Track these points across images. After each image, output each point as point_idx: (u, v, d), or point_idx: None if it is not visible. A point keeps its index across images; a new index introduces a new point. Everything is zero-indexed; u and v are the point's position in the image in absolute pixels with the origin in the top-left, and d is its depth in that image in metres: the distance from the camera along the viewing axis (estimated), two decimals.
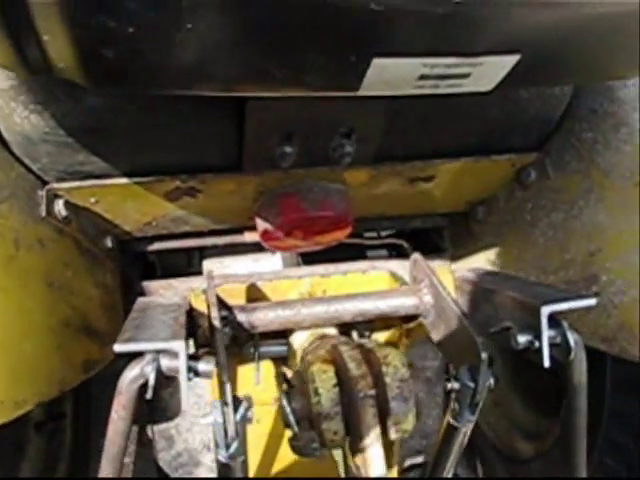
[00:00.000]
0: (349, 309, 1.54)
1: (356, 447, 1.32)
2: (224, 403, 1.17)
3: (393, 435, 1.40)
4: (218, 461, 1.25)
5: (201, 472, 1.96)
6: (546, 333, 1.23)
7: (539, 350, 1.25)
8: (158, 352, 1.13)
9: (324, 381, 1.40)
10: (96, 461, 2.20)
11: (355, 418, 1.35)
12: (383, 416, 1.38)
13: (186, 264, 2.08)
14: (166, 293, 1.81)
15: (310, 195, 1.58)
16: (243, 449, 1.23)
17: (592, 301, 1.27)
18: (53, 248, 1.49)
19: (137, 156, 1.45)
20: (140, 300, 1.49)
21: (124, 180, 1.48)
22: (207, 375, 1.19)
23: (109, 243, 1.72)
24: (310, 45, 0.80)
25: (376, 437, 1.29)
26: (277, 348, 1.67)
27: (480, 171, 1.68)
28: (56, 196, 1.50)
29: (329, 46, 0.80)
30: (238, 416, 1.19)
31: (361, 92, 0.95)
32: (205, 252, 2.07)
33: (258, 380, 1.63)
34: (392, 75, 0.89)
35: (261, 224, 1.62)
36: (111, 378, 1.19)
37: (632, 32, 0.92)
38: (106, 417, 1.76)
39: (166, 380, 1.20)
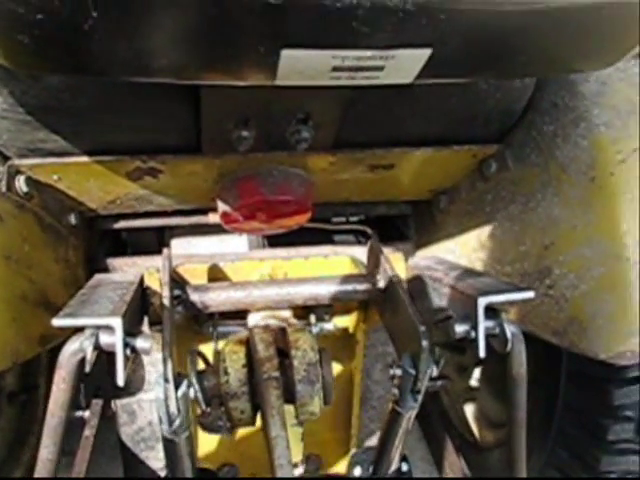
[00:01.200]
0: (301, 292, 1.57)
1: (264, 427, 1.34)
2: (165, 380, 1.19)
3: (300, 417, 1.42)
4: (163, 437, 1.27)
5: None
6: (482, 324, 1.25)
7: (476, 340, 1.26)
8: (98, 328, 1.16)
9: (234, 361, 1.43)
10: (68, 437, 2.24)
11: (260, 398, 1.37)
12: (291, 398, 1.41)
13: (156, 243, 2.10)
14: (126, 270, 1.83)
15: (269, 179, 1.59)
16: (187, 425, 1.26)
17: (530, 294, 1.28)
18: (12, 223, 1.51)
19: (97, 135, 1.47)
20: (96, 276, 1.51)
21: (85, 159, 1.50)
22: (145, 352, 1.21)
23: (73, 220, 1.74)
24: (222, 37, 0.82)
25: (279, 417, 1.30)
26: (235, 328, 1.69)
27: (442, 161, 1.70)
28: (18, 172, 1.52)
29: (239, 38, 0.82)
30: (179, 392, 1.21)
31: (279, 82, 0.97)
32: (175, 232, 2.09)
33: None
34: (305, 66, 0.91)
35: (221, 206, 1.64)
36: None
37: (545, 29, 0.94)
38: None
39: (107, 356, 1.23)
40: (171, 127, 1.47)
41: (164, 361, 1.19)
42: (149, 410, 1.98)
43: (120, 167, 1.54)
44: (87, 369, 1.15)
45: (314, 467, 2.06)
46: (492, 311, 1.28)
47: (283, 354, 1.46)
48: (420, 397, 1.37)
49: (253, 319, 1.64)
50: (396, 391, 1.38)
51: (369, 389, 2.08)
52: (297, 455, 1.61)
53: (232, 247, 2.04)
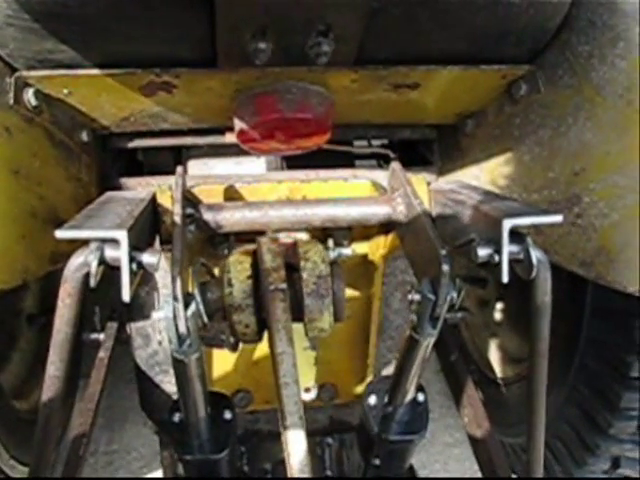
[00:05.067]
0: (318, 214, 1.51)
1: (270, 343, 1.29)
2: (174, 298, 1.15)
3: (309, 333, 1.37)
4: (173, 358, 1.24)
5: None
6: (506, 247, 1.19)
7: (499, 265, 1.21)
8: (104, 241, 1.12)
9: (239, 272, 1.38)
10: (86, 361, 2.24)
11: (266, 312, 1.32)
12: (300, 313, 1.37)
13: (172, 163, 2.05)
14: (140, 189, 1.79)
15: (288, 96, 1.52)
16: (197, 346, 1.22)
17: (558, 217, 1.22)
18: (21, 137, 1.46)
19: (107, 46, 1.41)
20: (107, 193, 1.47)
21: (96, 71, 1.44)
22: (152, 268, 1.17)
23: (85, 137, 1.69)
24: None
25: (286, 332, 1.24)
26: None
27: (469, 81, 1.61)
28: (26, 84, 1.47)
29: None
30: (189, 312, 1.18)
31: None
32: (192, 152, 2.04)
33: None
34: None
35: (238, 124, 1.58)
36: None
37: None
38: None
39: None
40: (185, 38, 1.40)
41: (173, 279, 1.15)
42: (164, 334, 1.97)
43: (132, 81, 1.48)
44: (92, 284, 1.12)
45: (329, 396, 2.05)
46: (517, 235, 1.22)
47: (292, 268, 1.40)
48: (439, 324, 1.32)
49: None
50: (414, 317, 1.33)
51: (387, 318, 2.05)
52: (309, 380, 1.58)
53: (249, 169, 1.99)
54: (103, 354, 1.96)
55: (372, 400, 1.63)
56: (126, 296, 1.10)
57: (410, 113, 1.82)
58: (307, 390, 1.59)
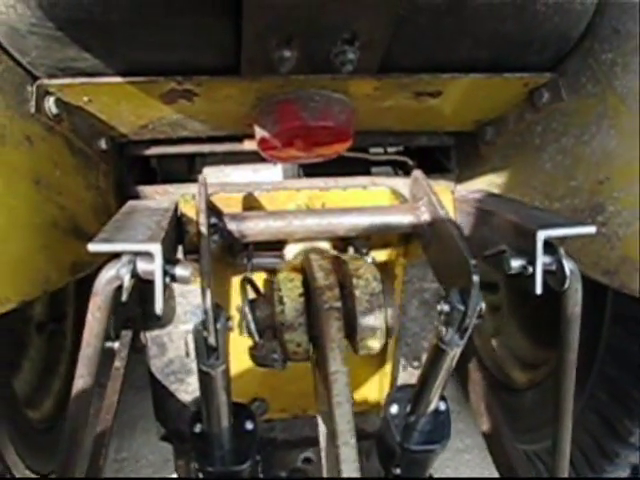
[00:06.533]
0: (342, 223, 1.50)
1: (320, 361, 1.28)
2: (204, 311, 1.14)
3: (360, 351, 1.36)
4: (199, 370, 1.23)
5: (192, 380, 1.97)
6: (540, 259, 1.18)
7: (532, 276, 1.20)
8: (135, 254, 1.10)
9: (290, 290, 1.36)
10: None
11: (319, 330, 1.30)
12: (351, 331, 1.35)
13: (187, 171, 2.04)
14: (158, 197, 1.78)
15: (310, 104, 1.51)
16: (224, 358, 1.21)
17: (592, 229, 1.22)
18: (42, 146, 1.45)
19: (130, 54, 1.39)
20: (129, 203, 1.46)
21: (118, 79, 1.43)
22: (184, 280, 1.16)
23: (104, 145, 1.68)
24: None
25: (340, 351, 1.24)
26: (271, 260, 1.64)
27: (490, 89, 1.61)
28: (47, 93, 1.45)
29: None
30: (218, 325, 1.16)
31: None
32: (206, 159, 2.03)
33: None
34: None
35: (259, 132, 1.57)
36: None
37: None
38: None
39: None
40: (209, 45, 1.39)
41: (203, 291, 1.14)
42: (179, 343, 1.95)
43: (153, 89, 1.47)
44: (124, 297, 1.11)
45: None
46: (550, 246, 1.21)
47: (340, 285, 1.39)
48: (467, 335, 1.31)
49: (290, 251, 1.59)
50: (442, 328, 1.32)
51: (404, 326, 2.03)
52: None
53: (266, 176, 1.98)
54: (119, 363, 1.95)
55: (394, 409, 1.61)
56: (159, 310, 1.09)
57: (429, 120, 1.81)
58: None
